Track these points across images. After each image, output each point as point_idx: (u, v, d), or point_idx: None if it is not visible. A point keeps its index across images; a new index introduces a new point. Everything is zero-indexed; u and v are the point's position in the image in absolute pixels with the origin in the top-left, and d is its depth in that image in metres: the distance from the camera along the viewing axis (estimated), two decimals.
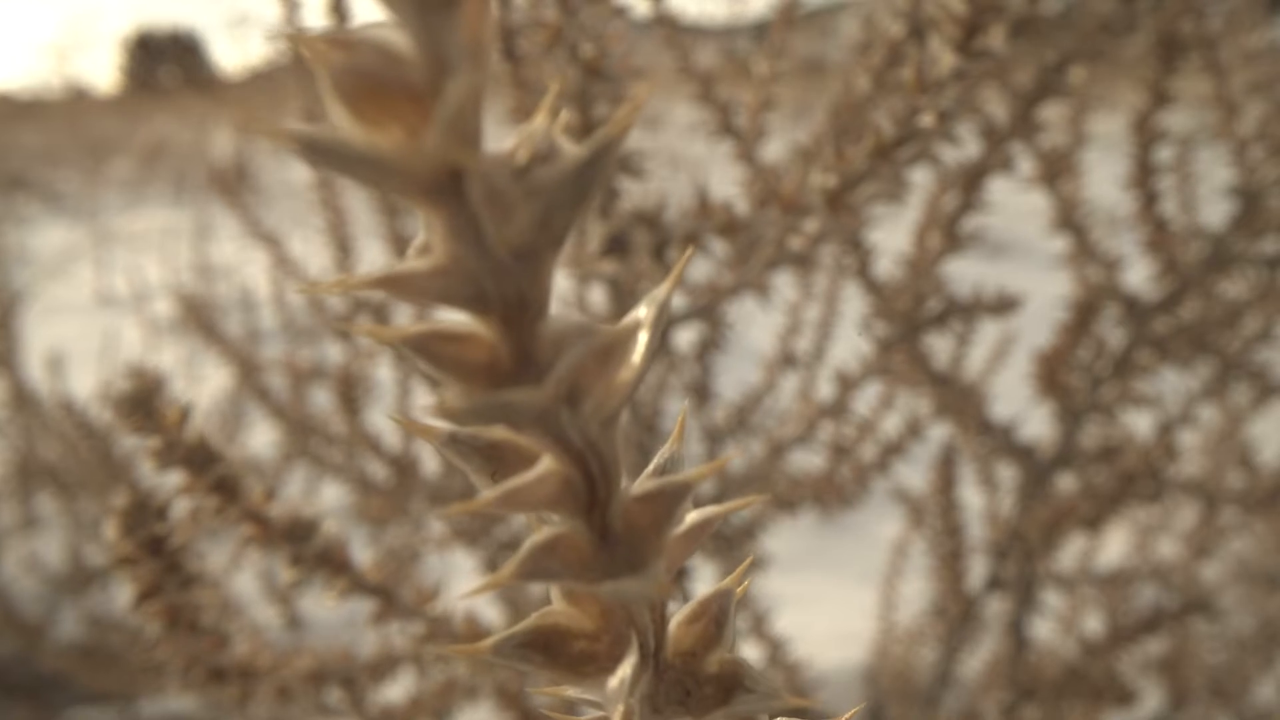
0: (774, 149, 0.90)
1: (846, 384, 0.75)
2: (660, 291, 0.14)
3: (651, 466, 0.17)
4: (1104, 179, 0.99)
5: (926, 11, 0.73)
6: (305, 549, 0.51)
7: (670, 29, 0.91)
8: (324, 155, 0.11)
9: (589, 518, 0.15)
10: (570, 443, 0.14)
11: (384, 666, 0.72)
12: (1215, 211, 0.90)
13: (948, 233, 0.69)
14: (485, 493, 0.14)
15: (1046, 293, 1.20)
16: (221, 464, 0.47)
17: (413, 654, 0.71)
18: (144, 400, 0.43)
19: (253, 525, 0.49)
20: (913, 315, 0.70)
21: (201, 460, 0.46)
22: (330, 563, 0.53)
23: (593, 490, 0.15)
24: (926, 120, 0.46)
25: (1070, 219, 0.87)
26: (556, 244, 0.13)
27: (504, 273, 0.12)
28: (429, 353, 0.13)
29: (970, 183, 0.65)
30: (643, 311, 0.14)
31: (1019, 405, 0.96)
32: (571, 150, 0.12)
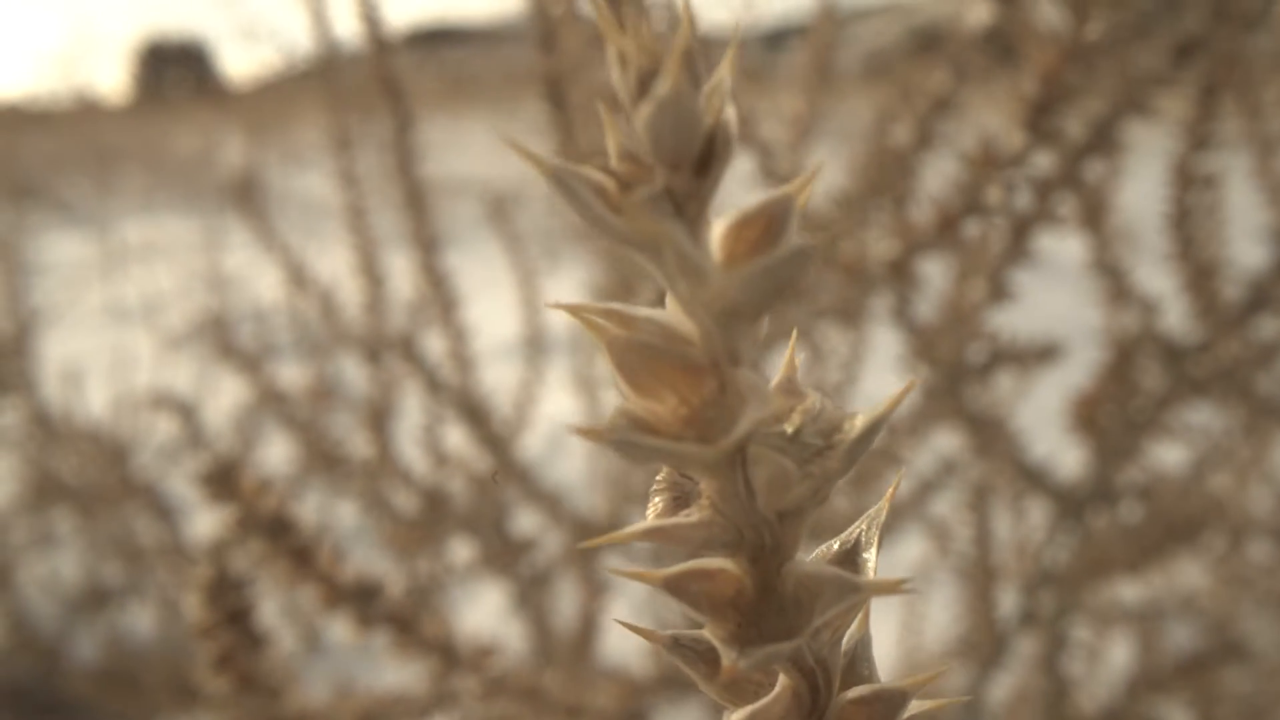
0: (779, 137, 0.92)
1: (894, 434, 0.76)
2: (879, 514, 0.15)
3: (842, 650, 0.17)
4: (1127, 187, 0.98)
5: (972, 62, 0.73)
6: (372, 610, 0.52)
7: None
8: (630, 450, 0.12)
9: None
10: (804, 662, 0.15)
11: (428, 709, 0.73)
12: (1248, 247, 0.90)
13: (993, 282, 0.70)
14: (730, 715, 0.15)
15: (1062, 304, 1.20)
16: (295, 532, 0.47)
17: (456, 696, 0.71)
18: (224, 474, 0.44)
19: (324, 589, 0.49)
20: (956, 364, 0.70)
21: (278, 529, 0.46)
22: (395, 622, 0.54)
23: (815, 698, 0.15)
24: (994, 195, 0.46)
25: (1105, 261, 0.87)
26: (821, 503, 0.13)
27: (766, 527, 0.13)
28: (684, 591, 0.14)
29: (1018, 234, 0.66)
30: (865, 532, 0.15)
31: (1045, 421, 0.97)
32: (843, 422, 0.13)
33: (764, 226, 0.12)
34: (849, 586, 0.14)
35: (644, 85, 0.11)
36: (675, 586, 0.14)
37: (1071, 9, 0.46)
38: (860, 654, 0.17)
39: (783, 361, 0.14)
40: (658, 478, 0.14)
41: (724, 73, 0.12)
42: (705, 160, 0.12)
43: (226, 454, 0.44)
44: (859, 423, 0.13)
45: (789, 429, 0.13)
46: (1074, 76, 0.44)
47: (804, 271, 0.12)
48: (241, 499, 0.45)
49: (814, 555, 0.15)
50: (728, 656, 0.13)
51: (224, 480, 0.44)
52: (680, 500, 0.14)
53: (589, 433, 0.12)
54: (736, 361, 0.12)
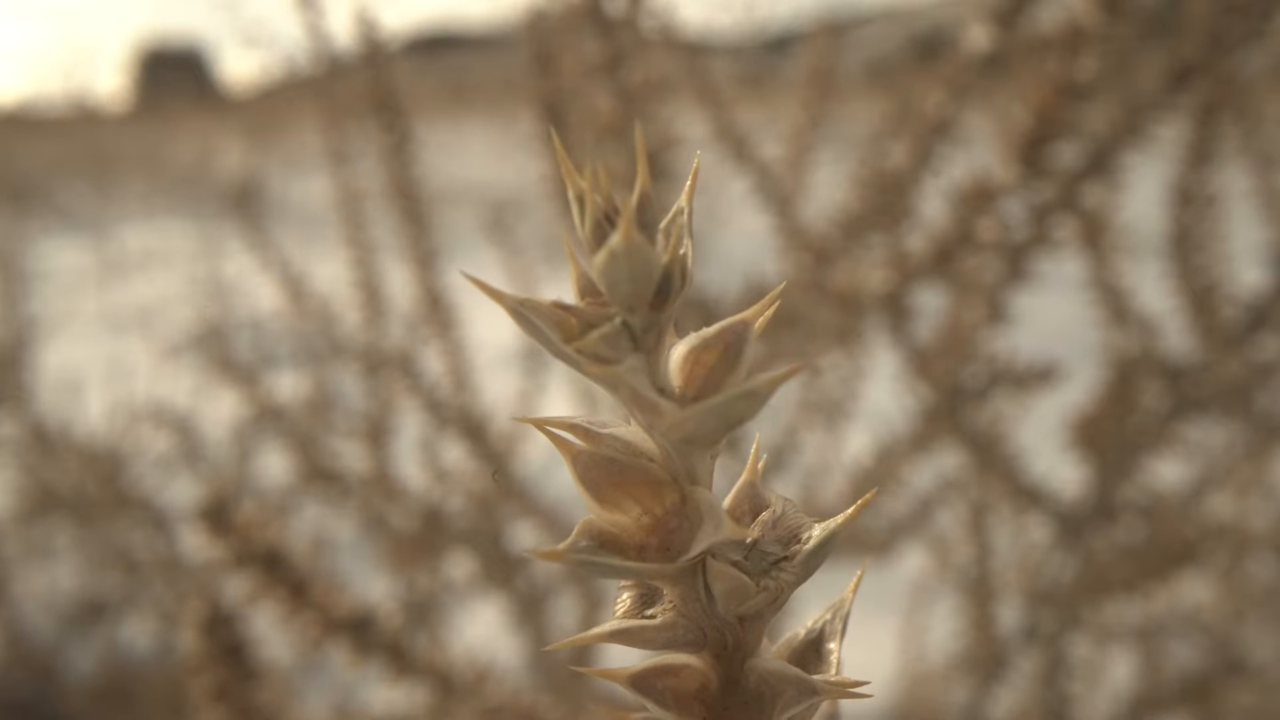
0: (778, 153, 0.92)
1: (892, 457, 0.76)
2: (843, 604, 0.15)
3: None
4: (1127, 190, 0.98)
5: (968, 81, 0.73)
6: (367, 640, 0.52)
7: (699, 73, 0.92)
8: (590, 569, 0.12)
9: None
10: None
11: None
12: (1247, 265, 0.90)
13: (991, 304, 0.70)
14: None
15: (1062, 319, 1.20)
16: (290, 565, 0.47)
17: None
18: (219, 510, 0.44)
19: (319, 620, 0.50)
20: (954, 386, 0.70)
21: (273, 563, 0.46)
22: (390, 650, 0.54)
23: None
24: (987, 229, 0.46)
25: (1105, 279, 0.87)
26: (780, 607, 0.13)
27: (727, 629, 0.13)
28: (650, 688, 0.14)
29: (1015, 258, 0.66)
30: (830, 623, 0.15)
31: (1045, 438, 0.97)
32: (801, 530, 0.13)
33: (721, 351, 0.12)
34: (808, 688, 0.14)
35: (600, 231, 0.12)
36: (641, 684, 0.14)
37: (1065, 47, 0.46)
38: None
39: (750, 455, 0.14)
40: None
41: (683, 203, 0.12)
42: (662, 296, 0.12)
43: (221, 487, 0.44)
44: (816, 533, 0.13)
45: (748, 538, 0.13)
46: (1067, 112, 0.44)
47: (756, 409, 0.12)
48: (237, 533, 0.45)
49: (780, 643, 0.15)
50: None
51: (219, 515, 0.44)
52: (646, 597, 0.14)
53: (550, 554, 0.12)
54: (694, 480, 0.12)
